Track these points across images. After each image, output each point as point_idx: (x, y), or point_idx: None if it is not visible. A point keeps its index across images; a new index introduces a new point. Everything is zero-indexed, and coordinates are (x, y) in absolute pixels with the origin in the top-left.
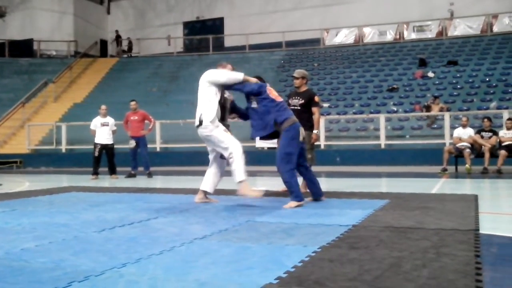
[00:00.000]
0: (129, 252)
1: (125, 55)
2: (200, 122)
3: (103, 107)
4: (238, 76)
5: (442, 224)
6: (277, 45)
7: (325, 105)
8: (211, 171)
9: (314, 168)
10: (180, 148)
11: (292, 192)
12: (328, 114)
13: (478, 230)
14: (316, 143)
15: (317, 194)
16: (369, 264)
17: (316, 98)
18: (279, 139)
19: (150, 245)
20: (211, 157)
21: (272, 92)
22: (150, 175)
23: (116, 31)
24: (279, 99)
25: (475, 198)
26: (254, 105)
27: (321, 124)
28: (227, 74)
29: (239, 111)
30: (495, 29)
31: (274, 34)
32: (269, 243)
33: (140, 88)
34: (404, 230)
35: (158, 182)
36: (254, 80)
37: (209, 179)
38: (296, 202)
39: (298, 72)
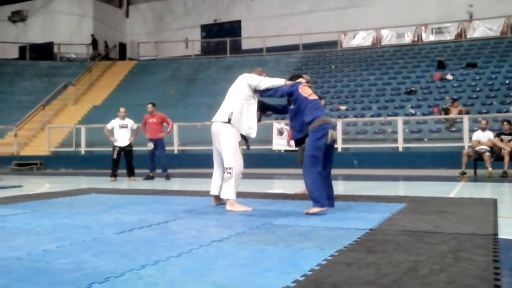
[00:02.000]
0: (148, 254)
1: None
2: (229, 120)
3: (122, 109)
4: (280, 81)
5: (460, 228)
6: (294, 47)
7: (342, 107)
8: (218, 174)
9: (333, 171)
10: (197, 151)
11: (313, 198)
12: (346, 116)
13: (497, 234)
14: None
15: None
16: (387, 268)
17: (323, 102)
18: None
19: (169, 247)
20: (215, 162)
21: (304, 90)
22: (168, 177)
23: (92, 35)
24: (313, 97)
25: (494, 202)
26: (292, 106)
27: (338, 127)
28: (270, 81)
29: (272, 108)
30: None
31: (291, 36)
32: (286, 246)
33: (158, 90)
34: (421, 234)
35: (176, 184)
36: (290, 83)
37: (216, 183)
38: (318, 208)
39: (305, 78)
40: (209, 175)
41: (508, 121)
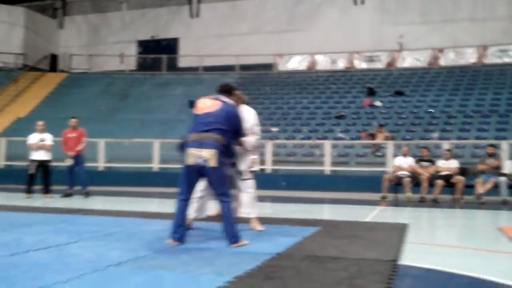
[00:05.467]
0: (34, 279)
1: None
2: None
3: (40, 123)
4: None
5: (365, 254)
6: (231, 68)
7: (274, 129)
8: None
9: (262, 192)
10: (125, 168)
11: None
12: (277, 138)
13: (397, 260)
14: (261, 167)
15: (227, 240)
16: None
17: None
18: None
19: (60, 272)
20: None
21: (198, 106)
22: (87, 194)
23: None
24: (200, 111)
25: (404, 227)
26: None
27: (268, 148)
28: None
29: None
30: (441, 62)
31: (229, 57)
32: (185, 272)
33: (88, 104)
34: (325, 259)
35: (94, 202)
36: None
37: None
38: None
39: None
40: (134, 194)
41: (427, 148)
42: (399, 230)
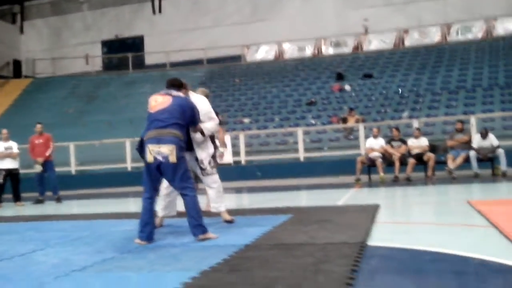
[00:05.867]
0: None
1: None
2: None
3: (4, 131)
4: None
5: (334, 238)
6: (199, 62)
7: (246, 120)
8: None
9: (238, 184)
10: (98, 170)
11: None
12: (249, 129)
13: (364, 242)
14: (236, 158)
15: (193, 232)
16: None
17: (220, 117)
18: None
19: (19, 283)
20: None
21: (150, 104)
22: (59, 199)
23: None
24: (153, 109)
25: (375, 208)
26: None
27: (241, 140)
28: None
29: None
30: (407, 43)
31: (196, 51)
32: (151, 271)
33: (55, 109)
34: (292, 247)
35: (66, 207)
36: None
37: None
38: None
39: (203, 91)
40: (108, 195)
41: (397, 128)
42: (371, 211)
